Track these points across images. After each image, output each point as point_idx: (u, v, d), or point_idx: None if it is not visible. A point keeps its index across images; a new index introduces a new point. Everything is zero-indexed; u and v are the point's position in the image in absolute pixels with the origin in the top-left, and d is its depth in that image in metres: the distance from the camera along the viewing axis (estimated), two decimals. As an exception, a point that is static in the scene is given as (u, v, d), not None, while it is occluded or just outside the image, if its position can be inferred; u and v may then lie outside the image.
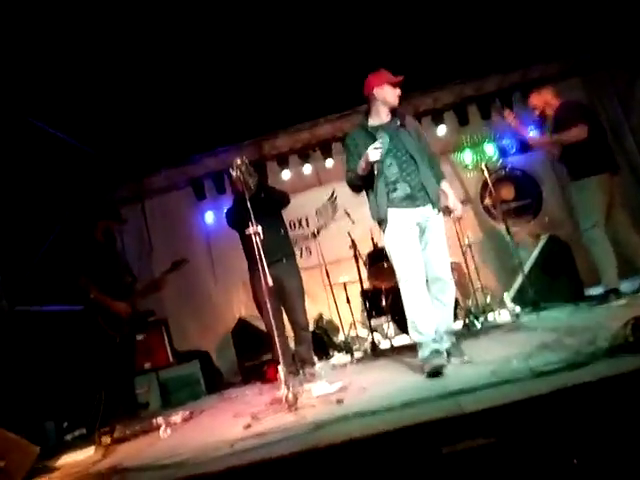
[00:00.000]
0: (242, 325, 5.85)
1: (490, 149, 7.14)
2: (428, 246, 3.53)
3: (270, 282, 3.30)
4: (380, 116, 3.64)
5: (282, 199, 4.58)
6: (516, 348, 3.27)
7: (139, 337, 5.17)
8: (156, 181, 7.68)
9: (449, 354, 3.49)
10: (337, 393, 3.41)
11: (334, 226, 6.14)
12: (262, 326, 5.73)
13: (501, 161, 7.13)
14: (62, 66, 5.13)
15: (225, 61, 5.91)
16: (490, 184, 5.36)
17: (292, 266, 4.48)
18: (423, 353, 3.36)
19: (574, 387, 2.14)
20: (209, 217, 7.68)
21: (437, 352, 3.32)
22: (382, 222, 3.55)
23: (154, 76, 5.81)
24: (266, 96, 6.49)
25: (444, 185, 3.69)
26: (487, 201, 7.17)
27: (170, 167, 7.53)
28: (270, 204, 4.38)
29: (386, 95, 3.58)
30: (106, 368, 4.29)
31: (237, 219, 4.35)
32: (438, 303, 3.54)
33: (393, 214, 3.50)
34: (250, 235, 3.45)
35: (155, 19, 5.03)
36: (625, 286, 4.63)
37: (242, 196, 3.72)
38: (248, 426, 3.05)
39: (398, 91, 3.61)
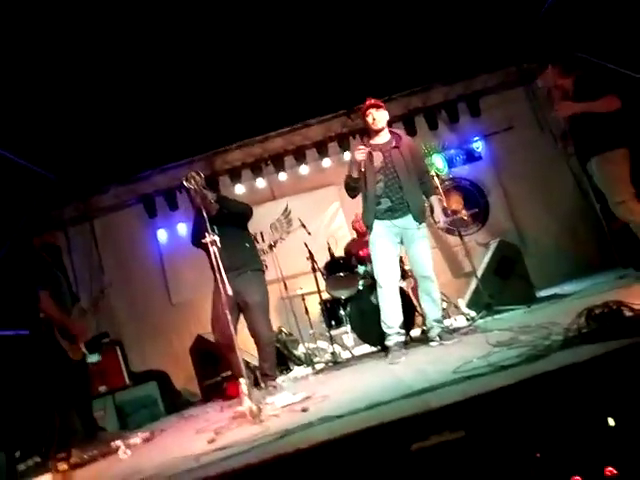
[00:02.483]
0: (200, 342, 5.73)
1: (439, 160, 7.31)
2: (412, 251, 4.14)
3: (230, 291, 3.25)
4: (379, 136, 4.21)
5: (244, 210, 4.51)
6: (474, 348, 3.34)
7: (94, 359, 4.99)
8: (104, 199, 7.55)
9: (441, 338, 4.06)
10: (301, 402, 3.38)
11: (290, 238, 6.14)
12: (221, 343, 5.67)
13: (448, 172, 7.33)
14: (7, 81, 5.00)
15: (174, 74, 5.86)
16: (442, 194, 5.46)
17: (257, 279, 4.36)
18: (389, 342, 4.07)
19: (534, 378, 2.19)
20: (161, 235, 7.57)
21: (399, 344, 4.03)
22: (368, 229, 4.20)
23: (99, 92, 5.71)
24: (216, 110, 6.48)
25: (433, 199, 4.26)
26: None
27: (119, 185, 7.41)
28: (232, 217, 4.30)
29: (366, 120, 4.20)
30: (60, 391, 4.10)
31: (198, 234, 4.27)
32: (427, 298, 4.15)
33: (376, 224, 4.13)
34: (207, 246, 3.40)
35: (106, 34, 4.97)
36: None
37: (200, 209, 3.67)
38: (212, 440, 2.98)
39: (376, 114, 4.14)
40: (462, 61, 6.89)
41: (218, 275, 3.31)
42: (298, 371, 5.50)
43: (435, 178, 5.50)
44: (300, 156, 7.45)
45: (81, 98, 5.70)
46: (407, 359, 3.88)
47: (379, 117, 4.14)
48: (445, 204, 5.54)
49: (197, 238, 3.92)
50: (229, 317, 3.29)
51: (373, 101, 4.21)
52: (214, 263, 3.36)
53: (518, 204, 7.19)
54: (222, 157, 7.50)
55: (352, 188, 4.20)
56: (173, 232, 7.56)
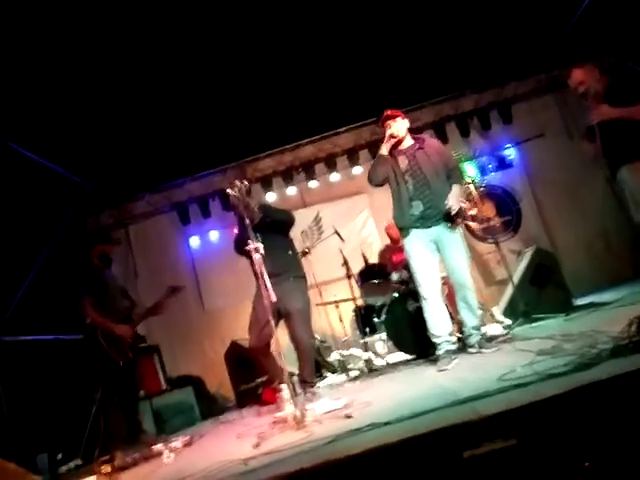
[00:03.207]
0: (235, 348, 5.79)
1: (470, 168, 7.30)
2: (447, 257, 4.08)
3: (274, 298, 3.29)
4: (401, 144, 4.18)
5: (287, 219, 4.55)
6: (515, 356, 3.33)
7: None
8: (139, 206, 7.68)
9: (480, 346, 4.01)
10: (342, 409, 3.40)
11: (324, 245, 6.16)
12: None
13: (481, 179, 7.29)
14: (43, 91, 5.14)
15: (207, 85, 5.97)
16: (478, 198, 5.46)
17: (299, 286, 4.37)
18: (438, 351, 4.01)
19: (586, 386, 2.18)
20: (194, 242, 7.68)
21: (449, 352, 3.95)
22: (401, 230, 4.19)
23: (133, 104, 5.83)
24: (248, 119, 6.56)
25: (454, 188, 4.06)
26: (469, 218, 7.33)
27: (153, 192, 7.54)
28: (275, 224, 4.34)
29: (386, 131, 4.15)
30: (108, 394, 4.20)
31: (242, 241, 4.33)
32: (464, 305, 4.09)
33: (409, 234, 4.10)
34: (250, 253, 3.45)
35: (134, 47, 5.08)
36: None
37: (243, 218, 3.72)
38: (257, 445, 3.02)
39: (394, 125, 4.11)
40: (493, 69, 6.89)
41: (261, 282, 3.35)
42: (332, 378, 5.52)
43: (470, 185, 5.53)
44: (331, 164, 7.51)
45: (118, 109, 5.83)
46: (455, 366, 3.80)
47: (397, 127, 4.13)
48: (467, 205, 5.53)
49: (240, 246, 3.98)
50: (273, 323, 3.32)
51: (390, 112, 4.20)
52: (257, 270, 3.39)
53: (550, 212, 7.14)
54: (254, 165, 7.59)
55: (377, 170, 4.16)
56: (205, 239, 7.66)
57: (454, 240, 4.09)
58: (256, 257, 3.39)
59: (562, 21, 6.15)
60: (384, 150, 4.12)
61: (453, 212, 3.93)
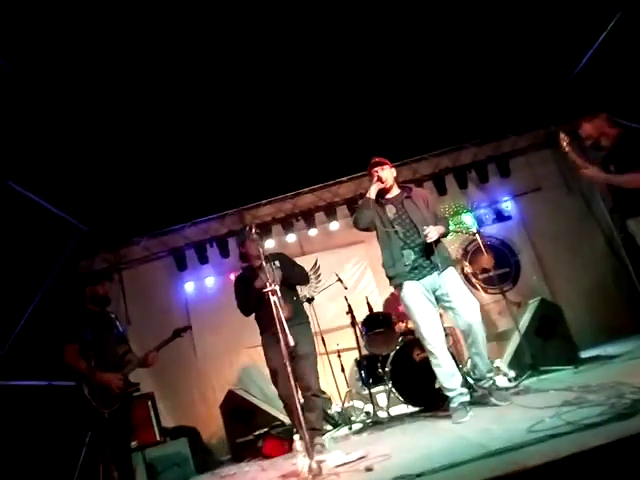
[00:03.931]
0: (231, 398, 5.58)
1: (468, 219, 7.36)
2: (450, 304, 3.88)
3: (292, 342, 3.19)
4: (389, 192, 4.15)
5: (303, 281, 4.70)
6: (536, 409, 3.22)
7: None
8: (134, 251, 7.57)
9: (490, 394, 3.85)
10: (359, 461, 3.25)
11: (327, 293, 6.07)
12: (252, 399, 5.54)
13: (478, 229, 7.33)
14: (43, 132, 5.11)
15: (207, 131, 6.00)
16: (483, 248, 5.47)
17: (306, 331, 4.35)
18: (452, 404, 3.81)
19: (633, 437, 2.10)
20: (189, 287, 7.54)
21: (464, 403, 3.77)
22: (392, 279, 4.05)
23: (134, 147, 5.83)
24: (248, 166, 6.59)
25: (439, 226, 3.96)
26: (467, 269, 7.34)
27: (150, 237, 7.45)
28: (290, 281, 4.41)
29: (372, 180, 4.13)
30: (98, 444, 3.95)
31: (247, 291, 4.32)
32: (474, 351, 3.95)
33: (406, 286, 3.94)
34: (266, 297, 3.37)
35: (133, 88, 5.11)
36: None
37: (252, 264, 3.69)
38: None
39: (381, 173, 4.08)
40: (492, 123, 7.06)
41: (279, 325, 3.25)
42: (334, 432, 5.31)
43: (477, 235, 5.54)
44: (330, 212, 7.51)
45: (119, 152, 5.82)
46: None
47: (385, 176, 4.08)
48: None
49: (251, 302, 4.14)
50: (289, 369, 3.20)
51: (378, 159, 4.18)
52: (274, 313, 3.30)
53: (549, 264, 7.16)
54: (253, 212, 7.56)
55: (363, 212, 4.06)
56: (201, 285, 7.53)
57: (454, 282, 3.92)
58: (274, 300, 3.30)
59: (560, 78, 6.35)
60: (371, 193, 4.04)
61: (429, 240, 3.79)
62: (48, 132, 5.14)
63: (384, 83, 6.05)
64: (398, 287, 4.00)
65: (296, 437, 3.38)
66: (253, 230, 3.74)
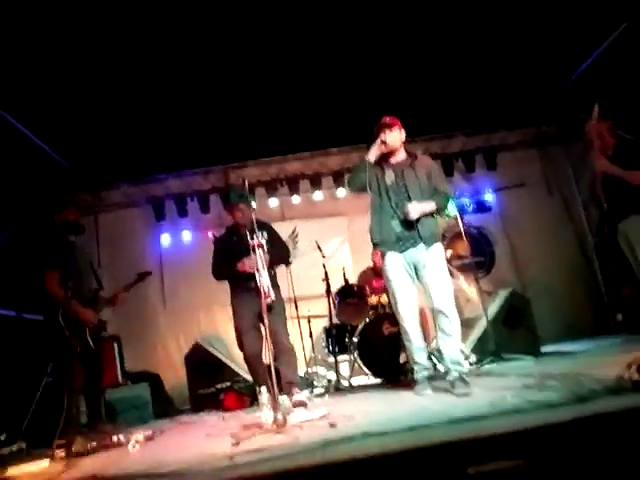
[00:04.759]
0: (197, 350, 5.60)
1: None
2: (426, 281, 3.80)
3: (273, 296, 3.22)
4: (394, 156, 3.96)
5: (285, 263, 4.79)
6: (498, 389, 3.33)
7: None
8: (114, 195, 7.46)
9: (453, 385, 3.60)
10: (320, 420, 3.31)
11: (304, 260, 6.09)
12: (217, 354, 5.57)
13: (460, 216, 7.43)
14: (32, 64, 4.97)
15: (200, 83, 5.90)
16: (463, 233, 5.54)
17: (279, 295, 4.36)
18: (417, 377, 3.89)
19: (592, 417, 2.21)
20: (165, 239, 7.49)
21: (427, 378, 3.87)
22: (376, 246, 4.00)
23: (126, 88, 5.71)
24: (238, 124, 6.51)
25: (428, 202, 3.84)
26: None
27: (131, 184, 7.34)
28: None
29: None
30: (64, 378, 3.93)
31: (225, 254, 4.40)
32: (442, 334, 3.78)
33: (388, 256, 3.91)
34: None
35: (124, 39, 5.00)
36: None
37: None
38: (237, 443, 2.90)
39: (389, 135, 3.87)
40: (485, 115, 7.10)
41: (260, 279, 3.27)
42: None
43: (459, 220, 5.62)
44: (316, 182, 7.50)
45: (106, 94, 5.70)
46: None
47: (390, 139, 3.87)
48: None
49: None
50: (266, 322, 3.22)
51: (388, 119, 3.94)
52: (255, 267, 3.32)
53: (522, 258, 7.32)
54: (237, 172, 7.49)
55: (358, 174, 3.89)
56: (177, 238, 7.48)
57: (437, 260, 3.81)
58: (259, 253, 3.32)
59: (558, 80, 6.42)
60: (371, 156, 3.88)
61: (409, 218, 3.73)
62: (40, 64, 5.00)
63: (384, 59, 6.01)
64: (382, 255, 3.95)
65: (263, 389, 3.43)
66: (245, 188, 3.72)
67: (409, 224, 3.82)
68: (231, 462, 2.46)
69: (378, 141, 3.87)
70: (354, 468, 2.15)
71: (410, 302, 3.89)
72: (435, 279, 3.77)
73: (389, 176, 3.90)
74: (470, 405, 2.97)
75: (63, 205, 4.52)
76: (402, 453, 2.19)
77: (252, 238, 3.57)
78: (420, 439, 2.30)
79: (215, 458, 2.60)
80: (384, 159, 3.97)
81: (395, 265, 3.88)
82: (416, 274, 3.90)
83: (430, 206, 3.84)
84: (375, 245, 4.00)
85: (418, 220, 3.79)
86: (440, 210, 3.95)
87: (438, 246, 3.87)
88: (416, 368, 3.90)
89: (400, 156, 3.98)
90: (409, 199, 3.81)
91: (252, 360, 4.17)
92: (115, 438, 3.64)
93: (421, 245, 3.81)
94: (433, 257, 3.81)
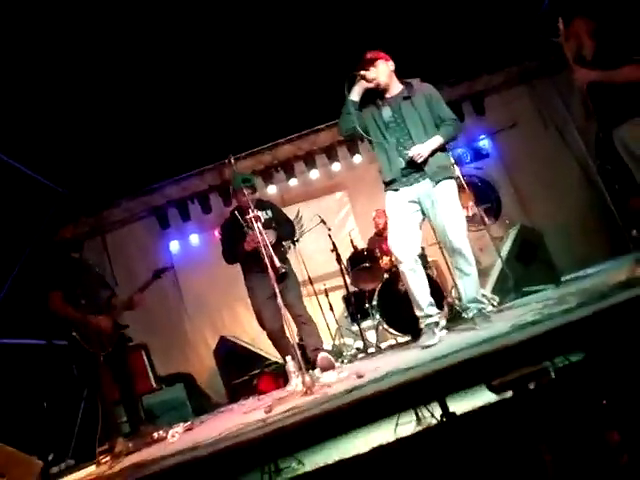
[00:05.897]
0: (224, 343, 5.67)
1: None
2: (437, 219, 3.49)
3: (283, 268, 3.25)
4: (387, 91, 3.61)
5: (292, 237, 4.88)
6: (520, 315, 3.30)
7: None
8: (116, 213, 7.52)
9: (474, 322, 3.48)
10: (350, 376, 3.32)
11: (312, 240, 6.10)
12: (244, 344, 5.63)
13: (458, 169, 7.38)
14: (16, 96, 5.02)
15: (182, 87, 5.93)
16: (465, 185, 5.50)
17: (290, 269, 4.37)
18: (420, 325, 3.59)
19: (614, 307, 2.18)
20: (174, 246, 7.55)
21: (430, 325, 3.52)
22: (387, 185, 3.65)
23: (108, 108, 5.75)
24: (225, 120, 6.52)
25: (436, 138, 3.50)
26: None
27: (130, 197, 7.39)
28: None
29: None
30: (98, 390, 3.98)
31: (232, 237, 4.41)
32: (460, 273, 3.56)
33: (388, 197, 3.63)
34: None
35: (109, 51, 5.04)
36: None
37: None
38: (269, 410, 2.92)
39: (369, 74, 3.53)
40: (464, 62, 7.03)
41: (267, 253, 3.27)
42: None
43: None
44: (310, 161, 7.51)
45: (90, 112, 5.74)
46: (443, 341, 3.44)
47: (372, 75, 3.53)
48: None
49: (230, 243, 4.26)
50: (280, 300, 3.23)
51: (369, 55, 3.60)
52: (260, 239, 3.33)
53: (528, 198, 7.29)
54: (231, 166, 7.48)
55: (343, 117, 3.60)
56: (186, 243, 7.56)
57: (447, 196, 3.48)
58: (258, 226, 3.34)
59: (532, 9, 6.33)
60: (353, 94, 3.55)
61: (418, 160, 3.42)
62: (24, 96, 5.06)
63: (357, 22, 5.96)
64: (391, 184, 3.62)
65: (288, 358, 3.45)
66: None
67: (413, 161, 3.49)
68: (264, 423, 2.49)
69: (358, 77, 3.55)
70: (381, 401, 2.16)
71: (405, 241, 3.51)
72: (447, 217, 3.45)
73: (386, 112, 3.57)
74: (491, 331, 2.95)
75: (59, 225, 4.60)
76: (424, 379, 2.21)
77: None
78: (442, 364, 2.31)
79: (251, 424, 2.63)
80: (379, 96, 3.63)
81: (394, 203, 3.58)
82: (426, 214, 3.57)
83: (436, 141, 3.48)
84: (387, 184, 3.64)
85: (421, 164, 3.48)
86: (451, 139, 3.63)
87: (448, 182, 3.53)
88: (418, 315, 3.59)
89: (395, 89, 3.62)
90: (409, 135, 3.51)
91: (274, 335, 4.19)
92: (156, 435, 3.69)
93: (427, 181, 3.50)
94: (442, 193, 3.48)
